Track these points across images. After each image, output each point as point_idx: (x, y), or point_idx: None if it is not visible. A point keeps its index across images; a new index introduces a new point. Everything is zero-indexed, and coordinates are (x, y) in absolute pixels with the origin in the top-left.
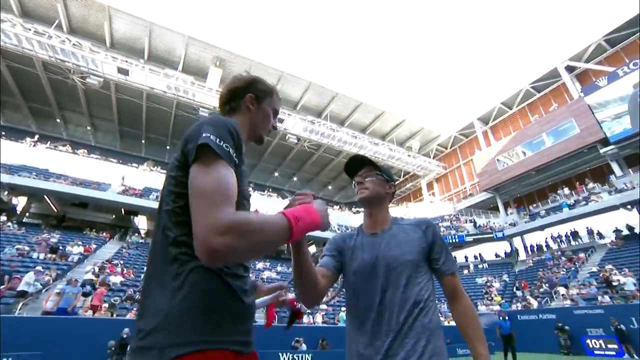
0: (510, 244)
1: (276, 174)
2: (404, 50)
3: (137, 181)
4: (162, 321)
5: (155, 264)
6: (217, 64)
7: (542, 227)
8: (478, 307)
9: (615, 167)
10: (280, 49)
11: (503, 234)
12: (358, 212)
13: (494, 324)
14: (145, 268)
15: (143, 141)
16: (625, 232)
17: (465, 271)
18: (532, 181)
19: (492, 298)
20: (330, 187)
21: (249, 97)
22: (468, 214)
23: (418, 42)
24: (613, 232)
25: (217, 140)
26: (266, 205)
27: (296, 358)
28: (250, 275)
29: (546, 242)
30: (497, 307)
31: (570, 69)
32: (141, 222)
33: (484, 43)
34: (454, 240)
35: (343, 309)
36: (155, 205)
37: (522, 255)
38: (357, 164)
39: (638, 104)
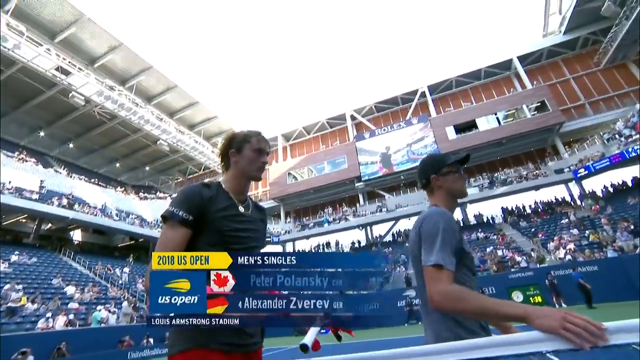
0: (283, 248)
1: (41, 134)
2: (231, 53)
3: None
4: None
5: None
6: None
7: (308, 237)
8: None
9: (361, 198)
10: None
11: (279, 239)
12: (146, 197)
13: None
14: None
15: None
16: (356, 245)
17: None
18: (310, 198)
19: None
20: (117, 165)
21: (231, 152)
22: None
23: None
24: (350, 244)
25: (170, 207)
26: (11, 172)
27: None
28: None
29: (311, 249)
30: None
31: (353, 118)
32: None
33: (304, 72)
34: None
35: (99, 307)
36: None
37: None
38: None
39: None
